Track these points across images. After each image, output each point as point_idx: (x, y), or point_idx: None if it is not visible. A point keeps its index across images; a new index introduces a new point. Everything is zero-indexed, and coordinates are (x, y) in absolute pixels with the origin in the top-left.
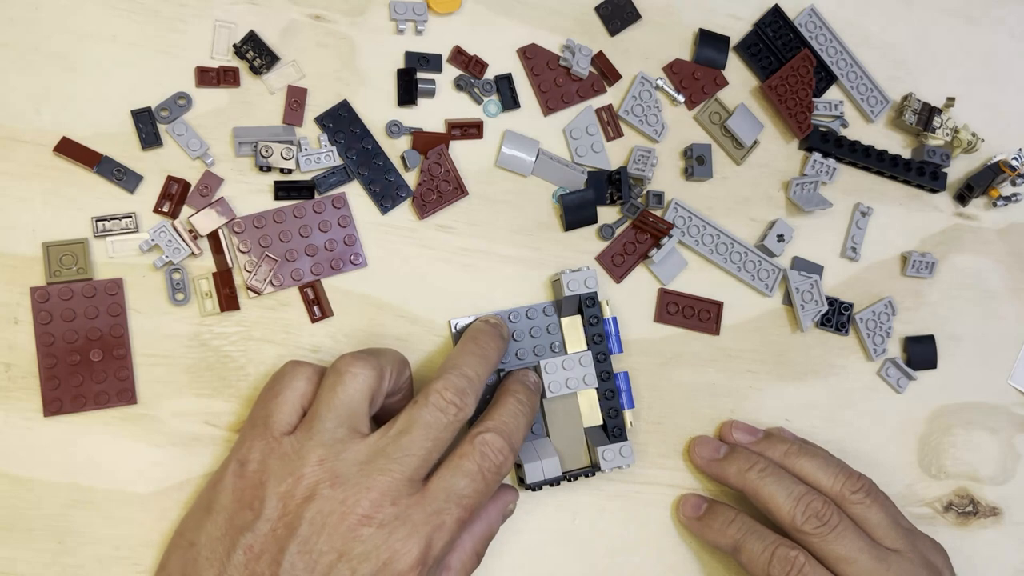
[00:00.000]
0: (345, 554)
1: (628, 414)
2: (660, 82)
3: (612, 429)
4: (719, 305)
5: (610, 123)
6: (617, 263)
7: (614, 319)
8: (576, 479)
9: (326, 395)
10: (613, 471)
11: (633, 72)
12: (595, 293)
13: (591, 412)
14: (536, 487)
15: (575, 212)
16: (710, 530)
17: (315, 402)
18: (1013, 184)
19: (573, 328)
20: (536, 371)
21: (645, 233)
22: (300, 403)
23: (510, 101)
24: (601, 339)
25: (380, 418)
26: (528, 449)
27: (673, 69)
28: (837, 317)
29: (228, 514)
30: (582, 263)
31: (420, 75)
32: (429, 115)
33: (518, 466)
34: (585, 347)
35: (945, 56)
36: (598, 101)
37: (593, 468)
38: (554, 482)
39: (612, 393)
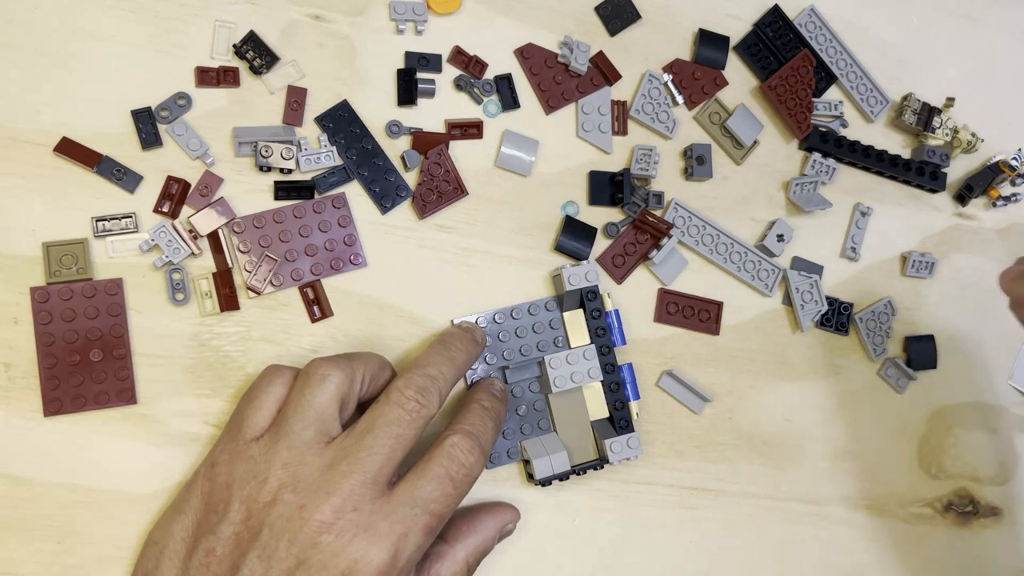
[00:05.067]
0: (304, 562)
1: (634, 405)
2: (667, 78)
3: (619, 421)
4: (719, 305)
5: (618, 118)
6: (617, 264)
7: (616, 311)
8: (585, 472)
9: (294, 398)
10: (618, 466)
11: (633, 72)
12: (596, 286)
13: (597, 405)
14: (546, 482)
15: (569, 233)
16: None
17: (284, 405)
18: (1013, 184)
19: (575, 322)
20: (541, 366)
21: (645, 233)
22: (275, 407)
23: (510, 101)
24: (604, 332)
25: None
26: (536, 445)
27: (673, 69)
28: (837, 317)
29: (196, 516)
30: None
31: (420, 75)
32: (429, 115)
33: (526, 462)
34: (588, 340)
35: (945, 56)
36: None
37: (601, 461)
38: (563, 476)
39: (617, 385)
